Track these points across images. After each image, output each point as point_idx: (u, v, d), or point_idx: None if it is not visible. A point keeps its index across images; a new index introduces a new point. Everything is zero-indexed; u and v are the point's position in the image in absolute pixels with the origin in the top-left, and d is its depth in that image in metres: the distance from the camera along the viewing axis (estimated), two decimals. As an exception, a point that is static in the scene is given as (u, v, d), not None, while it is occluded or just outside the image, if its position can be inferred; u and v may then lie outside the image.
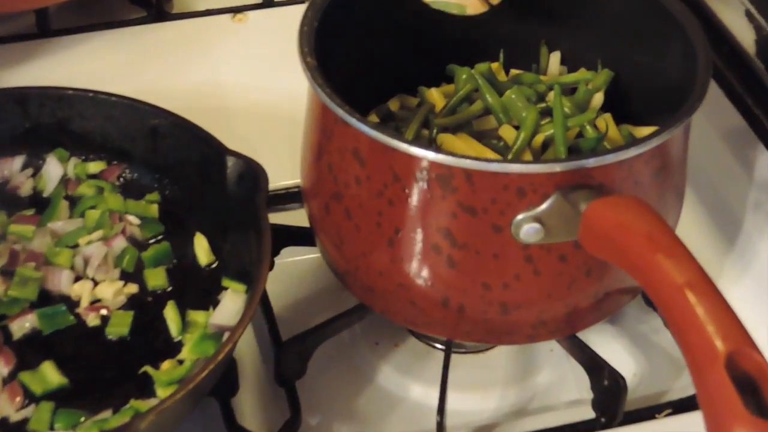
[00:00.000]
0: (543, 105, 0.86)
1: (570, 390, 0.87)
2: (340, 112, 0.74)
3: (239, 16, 1.19)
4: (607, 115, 0.86)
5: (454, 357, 0.85)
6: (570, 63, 0.93)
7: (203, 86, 1.10)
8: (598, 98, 0.88)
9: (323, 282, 0.91)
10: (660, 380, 0.87)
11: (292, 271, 0.93)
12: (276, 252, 0.91)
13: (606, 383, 0.81)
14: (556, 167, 0.70)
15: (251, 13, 1.19)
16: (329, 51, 0.82)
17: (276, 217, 0.93)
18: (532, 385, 0.87)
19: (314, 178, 0.81)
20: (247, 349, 0.88)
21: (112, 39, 1.16)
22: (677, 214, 0.81)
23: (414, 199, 0.73)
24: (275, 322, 0.88)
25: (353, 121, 0.73)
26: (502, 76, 0.92)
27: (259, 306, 0.89)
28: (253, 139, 1.02)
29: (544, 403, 0.86)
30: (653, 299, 0.63)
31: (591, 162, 0.70)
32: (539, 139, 0.82)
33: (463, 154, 0.79)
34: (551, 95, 0.86)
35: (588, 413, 0.83)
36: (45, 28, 1.15)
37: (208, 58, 1.14)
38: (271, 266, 0.91)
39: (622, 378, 0.80)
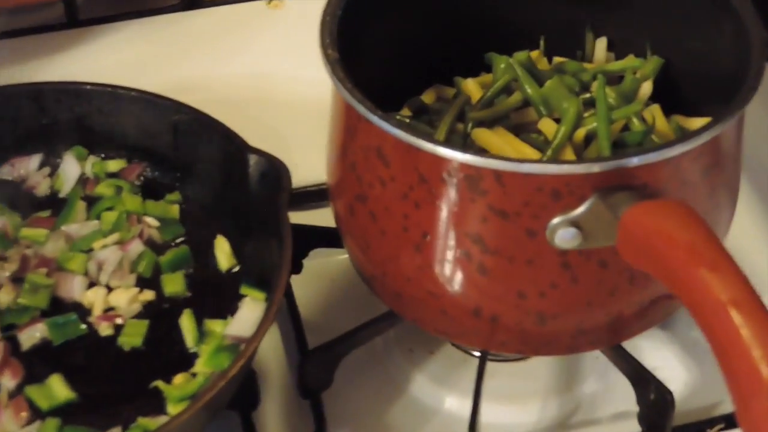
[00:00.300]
0: (587, 95, 0.80)
1: (617, 401, 0.81)
2: (362, 109, 0.68)
3: (275, 2, 1.14)
4: (655, 106, 0.80)
5: (491, 365, 0.80)
6: (618, 49, 0.86)
7: (236, 77, 1.06)
8: (647, 88, 0.82)
9: (354, 286, 0.85)
10: (712, 391, 0.81)
11: (322, 273, 0.88)
12: (304, 254, 0.87)
13: (652, 397, 0.75)
14: (594, 167, 0.64)
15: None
16: (357, 40, 0.77)
17: (306, 216, 0.89)
18: (575, 396, 0.81)
19: (338, 177, 0.76)
20: (273, 357, 0.83)
21: (142, 28, 1.12)
22: (729, 216, 0.75)
23: (441, 202, 0.68)
24: (302, 328, 0.83)
25: (375, 119, 0.68)
26: (543, 65, 0.86)
27: (286, 311, 0.85)
28: (287, 133, 0.98)
29: (588, 416, 0.80)
30: (695, 317, 0.57)
31: (633, 161, 0.64)
32: (581, 133, 0.77)
33: (495, 152, 0.75)
34: (596, 85, 0.79)
35: (635, 427, 0.77)
36: (73, 18, 1.11)
37: (241, 47, 1.09)
38: (300, 269, 0.86)
39: (670, 393, 0.75)
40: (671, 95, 0.82)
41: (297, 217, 0.89)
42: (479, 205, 0.67)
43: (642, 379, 0.76)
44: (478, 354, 0.82)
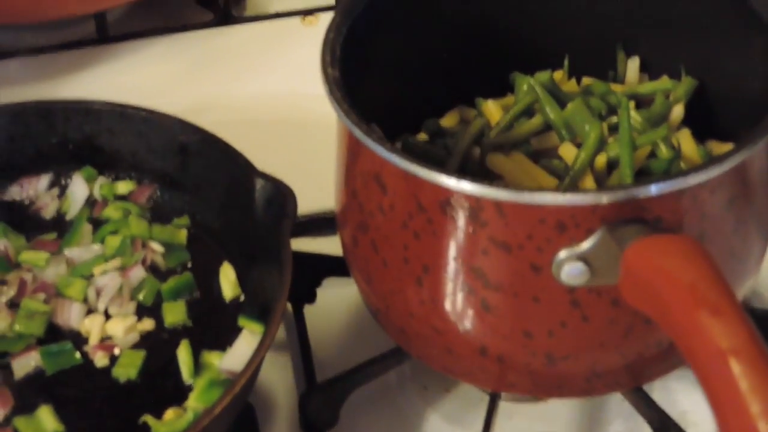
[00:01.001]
0: (613, 119, 0.76)
1: (644, 447, 0.76)
2: (357, 132, 0.64)
3: (309, 18, 1.10)
4: (684, 131, 0.75)
5: (508, 406, 0.76)
6: (651, 70, 0.81)
7: (265, 96, 1.03)
8: (678, 111, 0.77)
9: (369, 317, 0.81)
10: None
11: (338, 303, 0.84)
12: (317, 282, 0.83)
13: (674, 446, 0.70)
14: (599, 198, 0.60)
15: (322, 15, 1.11)
16: (371, 59, 0.74)
17: (323, 243, 0.85)
18: (599, 441, 0.76)
19: (343, 204, 0.72)
20: (280, 391, 0.79)
21: (174, 44, 1.09)
22: (761, 252, 0.69)
23: (441, 233, 0.64)
24: (311, 361, 0.79)
25: (370, 143, 0.64)
26: (572, 86, 0.81)
27: (296, 343, 0.81)
28: (309, 155, 0.94)
29: (611, 463, 0.75)
30: (691, 365, 0.52)
31: (642, 192, 0.59)
32: (602, 159, 0.72)
33: (509, 179, 0.71)
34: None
35: (660, 476, 0.72)
36: (104, 34, 1.09)
37: (274, 65, 1.07)
38: (313, 298, 0.83)
39: (691, 443, 0.69)
40: (707, 120, 0.77)
41: (313, 244, 0.86)
42: (480, 237, 0.63)
43: (664, 426, 0.71)
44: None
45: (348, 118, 0.65)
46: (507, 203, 0.61)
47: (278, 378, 0.80)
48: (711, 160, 0.61)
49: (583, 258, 0.61)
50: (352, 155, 0.69)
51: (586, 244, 0.60)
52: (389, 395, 0.79)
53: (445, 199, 0.62)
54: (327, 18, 1.08)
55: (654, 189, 0.59)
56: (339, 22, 0.72)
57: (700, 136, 0.76)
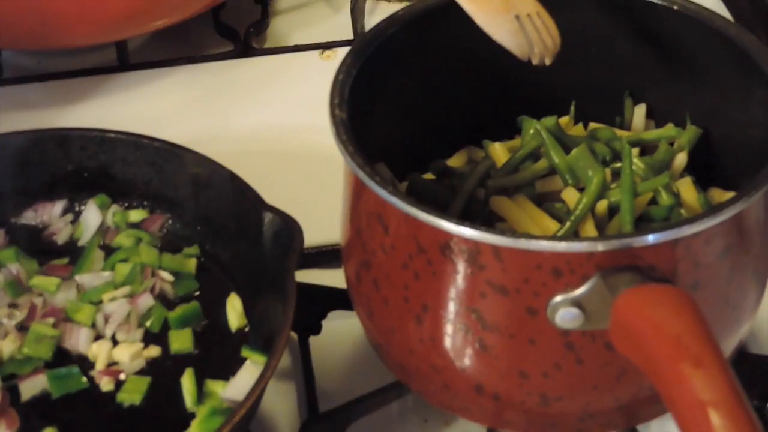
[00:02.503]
0: (617, 165, 0.77)
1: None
2: (361, 174, 0.66)
3: (327, 53, 1.12)
4: (686, 179, 0.76)
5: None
6: (657, 117, 0.83)
7: (279, 128, 1.04)
8: (681, 159, 0.78)
9: (372, 350, 0.83)
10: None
11: (343, 336, 0.85)
12: (323, 315, 0.84)
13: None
14: (592, 246, 0.61)
15: (340, 50, 1.12)
16: (379, 99, 0.75)
17: (327, 276, 0.86)
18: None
19: (347, 241, 0.74)
20: (282, 419, 0.80)
21: (193, 74, 1.11)
22: (756, 300, 0.71)
23: (439, 274, 0.65)
24: (315, 392, 0.81)
25: (372, 185, 0.65)
26: (578, 130, 0.82)
27: (300, 374, 0.82)
28: (318, 188, 0.95)
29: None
30: (673, 415, 0.53)
31: (635, 242, 0.61)
32: (604, 204, 0.73)
33: (512, 222, 0.72)
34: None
35: None
36: (124, 62, 1.11)
37: (290, 97, 1.08)
38: (318, 330, 0.84)
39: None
40: (711, 168, 0.79)
41: (321, 276, 0.87)
42: (478, 280, 0.64)
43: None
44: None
45: (353, 160, 0.66)
46: (505, 248, 0.62)
47: (281, 407, 0.81)
48: (707, 211, 0.62)
49: (577, 303, 0.62)
50: (357, 195, 0.70)
51: (580, 290, 0.62)
52: (390, 427, 0.80)
53: (444, 242, 0.64)
54: (344, 53, 1.11)
55: (649, 239, 0.61)
56: (349, 64, 0.73)
57: (703, 184, 0.77)
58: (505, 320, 0.65)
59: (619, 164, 0.77)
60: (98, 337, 0.79)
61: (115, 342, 0.79)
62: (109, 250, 0.84)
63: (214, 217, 0.83)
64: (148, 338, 0.79)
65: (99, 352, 0.77)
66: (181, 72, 1.11)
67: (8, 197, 0.87)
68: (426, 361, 0.70)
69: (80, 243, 0.85)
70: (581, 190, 0.75)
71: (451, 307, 0.66)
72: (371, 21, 1.17)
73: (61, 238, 0.86)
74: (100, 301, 0.80)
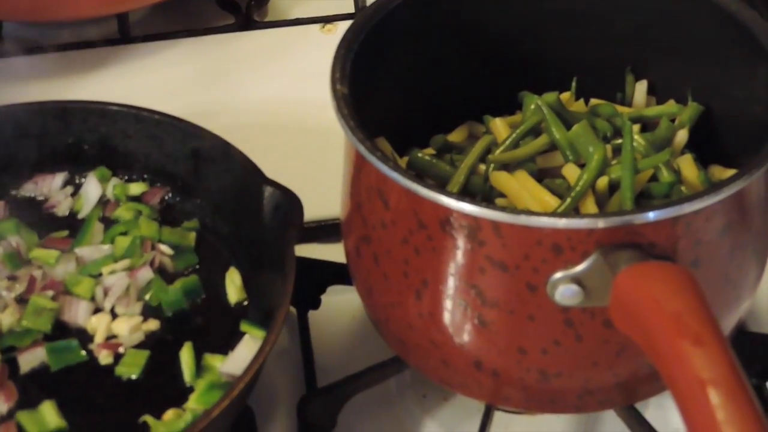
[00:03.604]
0: (618, 141, 0.76)
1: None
2: (362, 149, 0.66)
3: (328, 26, 1.12)
4: (687, 156, 0.76)
5: (506, 416, 0.77)
6: (659, 94, 0.82)
7: (279, 101, 1.04)
8: (682, 136, 0.78)
9: (371, 324, 0.83)
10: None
11: (342, 310, 0.86)
12: (322, 289, 0.84)
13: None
14: (597, 223, 0.61)
15: (341, 24, 1.12)
16: (380, 74, 0.75)
17: (330, 250, 0.86)
18: (592, 454, 0.77)
19: (347, 215, 0.73)
20: (281, 395, 0.80)
21: (194, 47, 1.11)
22: (756, 278, 0.70)
23: (439, 250, 0.65)
24: (313, 367, 0.81)
25: (373, 160, 0.65)
26: (579, 106, 0.82)
27: (299, 348, 0.82)
28: (319, 162, 0.95)
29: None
30: (672, 393, 0.53)
31: (636, 219, 0.60)
32: (604, 181, 0.73)
33: (511, 197, 0.72)
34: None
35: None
36: (125, 34, 1.11)
37: (290, 71, 1.08)
38: (318, 305, 0.84)
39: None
40: (712, 145, 0.78)
41: (320, 251, 0.87)
42: (478, 256, 0.64)
43: (653, 445, 0.72)
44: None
45: (354, 135, 0.66)
46: (505, 224, 0.62)
47: (280, 381, 0.81)
48: (708, 189, 0.62)
49: (577, 280, 0.62)
50: (357, 169, 0.70)
51: (580, 267, 0.62)
52: (388, 402, 0.81)
53: (444, 217, 0.64)
54: (345, 27, 1.10)
55: (649, 216, 0.61)
56: (350, 39, 0.73)
57: (704, 161, 0.77)
58: (505, 296, 0.65)
59: (619, 141, 0.76)
60: (97, 310, 0.79)
61: (114, 315, 0.79)
62: (108, 223, 0.84)
63: (213, 190, 0.83)
64: (147, 311, 0.79)
65: (98, 325, 0.77)
66: (182, 45, 1.11)
67: (8, 169, 0.86)
68: (425, 336, 0.69)
69: (80, 216, 0.85)
70: (582, 166, 0.74)
71: (451, 282, 0.66)
72: (373, -5, 1.16)
73: (61, 211, 0.86)
74: (100, 274, 0.80)
